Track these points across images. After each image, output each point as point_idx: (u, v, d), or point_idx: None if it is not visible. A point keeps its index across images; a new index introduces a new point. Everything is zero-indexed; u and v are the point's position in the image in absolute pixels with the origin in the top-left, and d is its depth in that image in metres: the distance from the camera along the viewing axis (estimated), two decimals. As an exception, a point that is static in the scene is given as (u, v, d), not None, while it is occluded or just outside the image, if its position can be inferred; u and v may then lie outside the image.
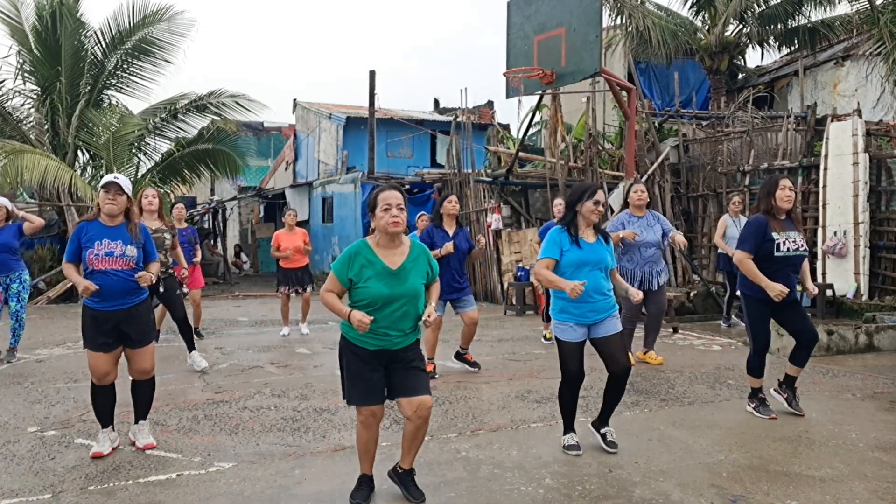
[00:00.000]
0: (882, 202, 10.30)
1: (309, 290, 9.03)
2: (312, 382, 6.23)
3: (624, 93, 11.14)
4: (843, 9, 15.90)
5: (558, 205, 7.61)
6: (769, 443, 4.37)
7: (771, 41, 17.30)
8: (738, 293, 9.21)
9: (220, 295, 15.26)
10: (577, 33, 9.94)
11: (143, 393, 4.47)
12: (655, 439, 4.47)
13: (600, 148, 13.62)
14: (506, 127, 21.03)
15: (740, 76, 18.14)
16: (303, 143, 23.27)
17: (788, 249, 4.73)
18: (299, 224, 10.28)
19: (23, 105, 15.70)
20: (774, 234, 4.74)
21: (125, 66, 15.98)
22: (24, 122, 15.62)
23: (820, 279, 10.19)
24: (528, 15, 10.80)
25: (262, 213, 25.05)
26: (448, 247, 6.26)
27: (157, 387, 5.11)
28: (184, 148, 16.48)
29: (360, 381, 3.42)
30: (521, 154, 13.74)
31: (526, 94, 11.28)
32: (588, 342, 4.24)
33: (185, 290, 7.07)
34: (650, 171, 12.36)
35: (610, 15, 15.96)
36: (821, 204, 10.50)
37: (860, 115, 10.51)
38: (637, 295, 4.43)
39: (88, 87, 15.41)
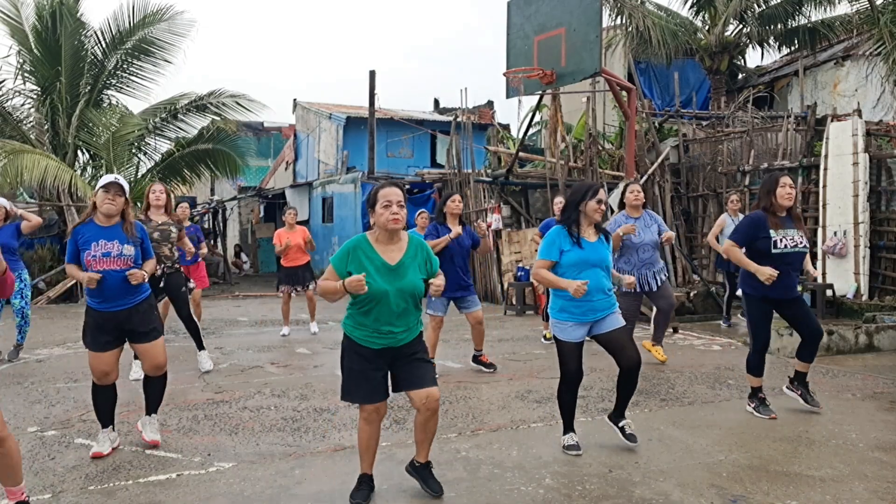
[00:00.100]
0: (882, 202, 10.29)
1: (311, 287, 9.04)
2: (312, 382, 6.23)
3: (624, 93, 11.14)
4: (843, 9, 15.93)
5: (559, 203, 7.60)
6: (769, 443, 4.37)
7: (771, 41, 17.31)
8: (740, 292, 9.26)
9: (220, 295, 15.26)
10: (577, 33, 9.93)
11: (155, 388, 4.49)
12: (655, 439, 4.47)
13: (600, 148, 13.62)
14: (506, 127, 21.03)
15: (740, 76, 18.15)
16: (303, 143, 23.28)
17: (786, 247, 4.72)
18: (299, 224, 10.29)
19: (23, 105, 15.73)
20: (771, 232, 4.74)
21: (125, 66, 15.98)
22: (24, 122, 15.63)
23: (820, 279, 10.19)
24: (528, 15, 10.80)
25: (262, 213, 25.05)
26: (457, 230, 6.28)
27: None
28: (184, 148, 16.48)
29: (365, 380, 3.43)
30: (521, 154, 13.74)
31: (526, 94, 11.28)
32: (594, 341, 4.25)
33: (192, 284, 7.06)
34: (650, 171, 12.36)
35: (610, 15, 15.98)
36: (821, 204, 10.50)
37: (860, 115, 10.51)
38: (628, 278, 4.52)
39: (88, 87, 15.41)
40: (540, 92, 11.58)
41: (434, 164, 20.52)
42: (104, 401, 4.31)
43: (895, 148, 10.68)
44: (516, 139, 15.83)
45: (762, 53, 17.83)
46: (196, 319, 6.93)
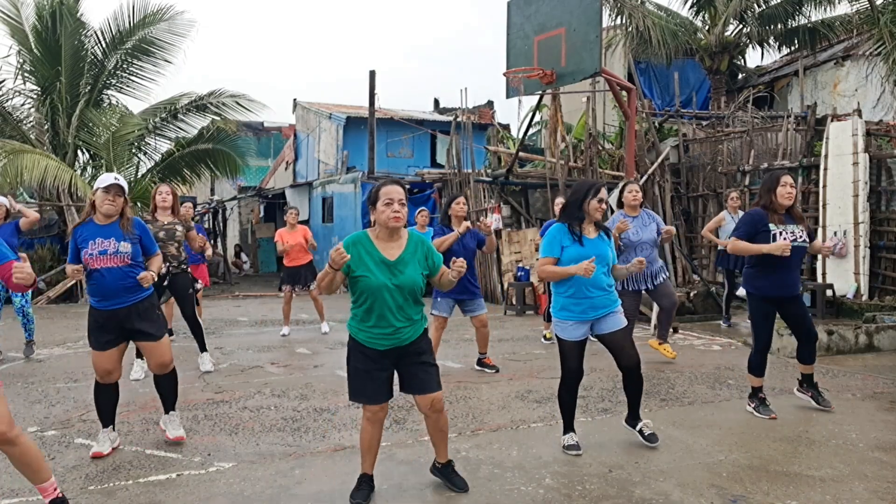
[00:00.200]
0: (882, 202, 10.29)
1: (314, 287, 9.05)
2: (312, 382, 6.23)
3: (624, 93, 11.14)
4: (843, 9, 15.93)
5: (560, 204, 7.60)
6: (769, 443, 4.37)
7: (771, 41, 17.31)
8: (740, 292, 9.25)
9: (220, 295, 15.26)
10: (577, 33, 9.93)
11: (166, 386, 4.51)
12: (655, 439, 4.46)
13: (600, 148, 13.62)
14: (506, 127, 21.02)
15: (740, 76, 18.15)
16: (303, 143, 23.28)
17: (785, 240, 4.71)
18: (300, 224, 10.30)
19: (23, 105, 15.73)
20: (771, 226, 4.74)
21: (125, 66, 15.98)
22: (24, 122, 15.63)
23: (820, 279, 10.19)
24: (528, 15, 10.79)
25: (262, 213, 25.06)
26: (466, 224, 6.28)
27: (157, 386, 5.10)
28: (184, 148, 16.48)
29: (370, 381, 3.44)
30: (521, 154, 13.73)
31: (526, 94, 11.27)
32: (596, 340, 4.25)
33: (200, 285, 7.05)
34: (650, 171, 12.36)
35: (610, 15, 15.97)
36: (821, 204, 10.49)
37: (860, 115, 10.50)
38: (638, 263, 4.32)
39: (88, 87, 15.41)
40: (540, 92, 11.57)
41: (434, 164, 20.52)
42: (106, 400, 4.32)
43: (895, 148, 10.68)
44: (516, 139, 15.83)
45: (762, 53, 17.85)
46: (200, 322, 6.94)
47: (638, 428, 4.34)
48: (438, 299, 6.40)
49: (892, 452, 4.18)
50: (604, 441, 4.41)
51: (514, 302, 11.28)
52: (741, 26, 17.19)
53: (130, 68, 16.04)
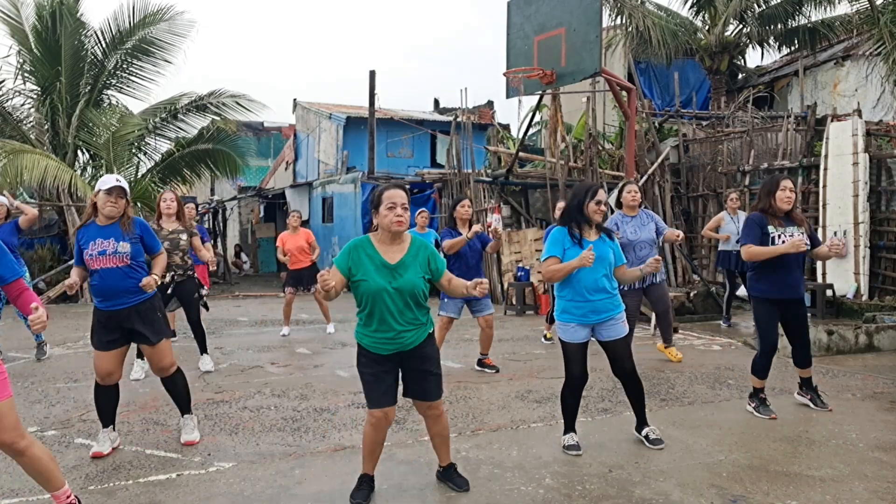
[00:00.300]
0: (882, 202, 10.29)
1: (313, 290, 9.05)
2: (312, 382, 6.23)
3: (624, 93, 11.14)
4: (843, 9, 15.94)
5: (562, 208, 7.62)
6: (769, 443, 4.37)
7: (771, 41, 17.31)
8: (740, 291, 9.24)
9: (220, 295, 15.25)
10: (577, 33, 9.93)
11: (174, 387, 4.50)
12: (655, 439, 4.46)
13: (600, 148, 13.62)
14: (506, 127, 21.02)
15: (740, 76, 18.15)
16: (303, 143, 23.28)
17: (784, 243, 4.71)
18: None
19: (23, 105, 15.72)
20: (770, 228, 4.74)
21: (125, 66, 15.98)
22: (24, 122, 15.63)
23: (820, 279, 10.19)
24: (528, 15, 10.80)
25: (262, 213, 25.06)
26: (476, 228, 6.33)
27: (157, 387, 5.11)
28: (184, 148, 16.48)
29: (376, 383, 3.46)
30: (521, 154, 13.73)
31: (526, 94, 11.28)
32: (597, 342, 4.25)
33: (206, 291, 7.05)
34: (650, 171, 12.36)
35: (610, 15, 15.98)
36: (821, 204, 10.49)
37: (860, 115, 10.50)
38: (653, 263, 4.30)
39: (88, 87, 15.41)
40: (540, 92, 11.58)
41: (434, 164, 20.52)
42: (106, 401, 4.31)
43: (895, 148, 10.68)
44: (516, 139, 15.83)
45: (762, 53, 17.86)
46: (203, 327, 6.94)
47: (644, 434, 4.35)
48: (446, 300, 6.42)
49: (892, 452, 4.18)
50: (604, 441, 4.42)
51: (514, 302, 11.28)
52: (741, 26, 17.19)
53: (130, 68, 16.03)
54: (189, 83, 68.84)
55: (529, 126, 14.08)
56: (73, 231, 13.92)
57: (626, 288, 6.42)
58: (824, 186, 10.45)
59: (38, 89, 15.41)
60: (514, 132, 19.51)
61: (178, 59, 22.87)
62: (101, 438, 4.28)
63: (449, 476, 3.71)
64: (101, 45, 15.55)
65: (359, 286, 3.41)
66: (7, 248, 7.12)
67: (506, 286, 12.19)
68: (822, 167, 10.53)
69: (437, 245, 6.42)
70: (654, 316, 7.19)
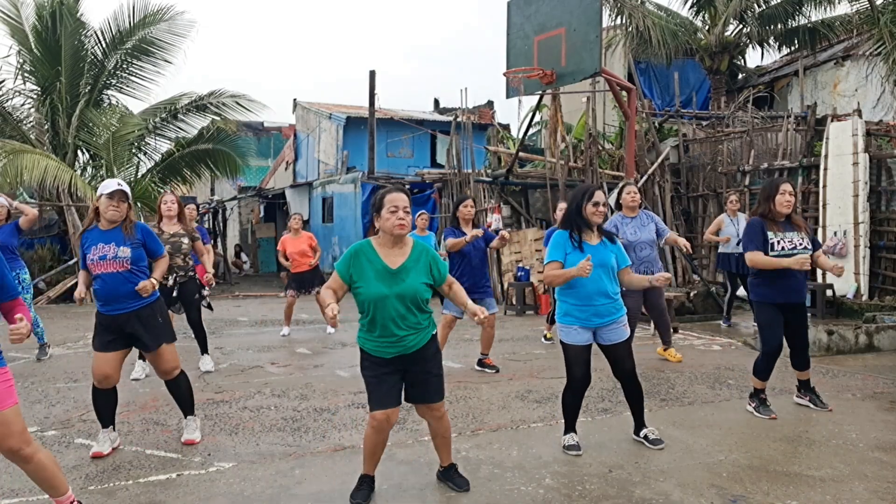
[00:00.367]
0: (882, 202, 10.29)
1: (316, 291, 9.04)
2: (312, 382, 6.23)
3: (624, 93, 11.14)
4: (843, 9, 15.94)
5: (563, 209, 7.62)
6: (769, 443, 4.37)
7: (771, 41, 17.31)
8: (741, 291, 9.23)
9: (220, 295, 15.25)
10: (577, 33, 9.93)
11: (177, 390, 4.50)
12: (655, 439, 4.46)
13: (600, 148, 13.62)
14: (506, 127, 21.03)
15: (740, 76, 18.15)
16: (303, 143, 23.28)
17: (784, 248, 4.72)
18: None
19: (23, 105, 15.74)
20: (769, 234, 4.75)
21: (125, 66, 15.99)
22: (24, 122, 15.63)
23: (820, 279, 10.19)
24: (528, 15, 10.80)
25: (262, 213, 25.06)
26: (476, 232, 6.32)
27: (157, 387, 5.11)
28: (184, 148, 16.49)
29: (379, 384, 3.46)
30: (521, 154, 13.74)
31: (526, 94, 11.28)
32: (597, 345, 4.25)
33: (207, 292, 7.05)
34: (650, 171, 12.36)
35: (610, 15, 15.97)
36: (821, 204, 10.49)
37: (860, 115, 10.50)
38: (660, 278, 4.33)
39: (88, 87, 15.42)
40: (540, 92, 11.58)
41: (434, 164, 20.53)
42: (104, 402, 4.31)
43: (895, 148, 10.68)
44: (516, 139, 15.83)
45: (762, 53, 17.85)
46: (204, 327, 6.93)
47: (643, 434, 4.35)
48: None
49: (892, 452, 4.18)
50: (604, 441, 4.42)
51: (514, 302, 11.28)
52: (741, 26, 17.19)
53: (130, 68, 16.05)
54: (189, 83, 68.94)
55: (529, 126, 14.09)
56: (73, 232, 13.94)
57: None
58: (824, 186, 10.45)
59: (38, 89, 15.42)
60: (514, 132, 19.52)
61: (178, 59, 22.91)
62: (101, 439, 4.28)
63: (449, 476, 3.71)
64: (101, 45, 15.56)
65: (360, 293, 3.40)
66: (8, 249, 7.12)
67: (506, 286, 12.19)
68: (822, 167, 10.53)
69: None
70: (652, 322, 7.22)
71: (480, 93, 61.90)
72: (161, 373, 4.43)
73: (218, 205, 22.66)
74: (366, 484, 3.57)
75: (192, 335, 6.88)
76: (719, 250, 9.26)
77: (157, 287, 4.37)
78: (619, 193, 6.84)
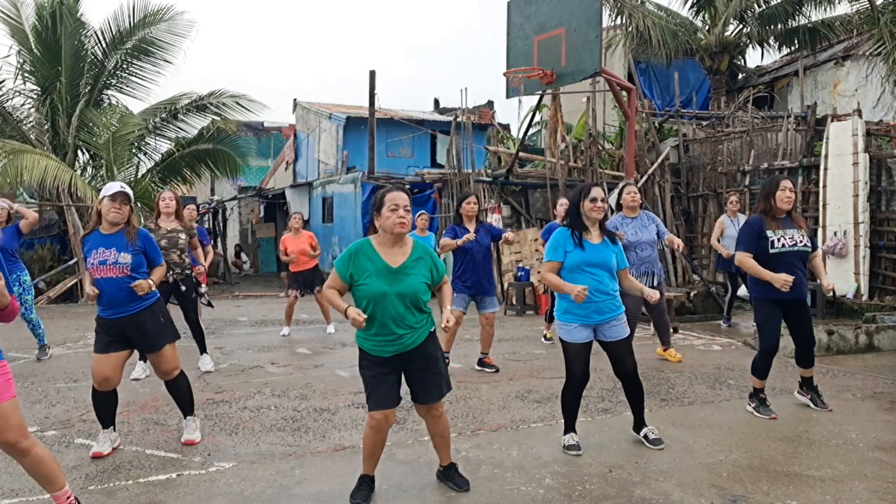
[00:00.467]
0: (882, 202, 10.29)
1: (318, 290, 9.03)
2: (312, 382, 6.23)
3: (624, 93, 11.14)
4: (843, 9, 15.93)
5: (563, 205, 7.62)
6: (769, 443, 4.37)
7: (771, 41, 17.30)
8: (741, 291, 9.22)
9: (220, 295, 15.25)
10: (577, 33, 9.93)
11: (177, 391, 4.51)
12: (655, 439, 4.46)
13: (600, 148, 13.62)
14: (506, 127, 21.03)
15: (740, 76, 18.15)
16: (303, 143, 23.28)
17: (784, 246, 4.73)
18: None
19: (23, 105, 15.72)
20: (769, 232, 4.75)
21: (125, 66, 15.98)
22: (24, 122, 15.62)
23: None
24: (528, 15, 10.80)
25: (262, 213, 25.06)
26: (468, 236, 6.32)
27: (157, 387, 5.10)
28: (184, 148, 16.48)
29: (378, 384, 3.46)
30: (521, 154, 13.74)
31: (526, 94, 11.28)
32: (596, 342, 4.25)
33: (204, 288, 7.04)
34: (650, 171, 12.36)
35: (610, 15, 15.97)
36: (821, 204, 10.49)
37: (860, 115, 10.50)
38: (653, 294, 4.39)
39: (88, 87, 15.41)
40: (540, 92, 11.58)
41: (434, 164, 20.53)
42: (104, 404, 4.31)
43: (895, 148, 10.68)
44: (516, 139, 15.84)
45: (762, 53, 17.84)
46: (202, 325, 6.94)
47: (643, 434, 4.35)
48: (454, 295, 6.43)
49: (892, 452, 4.18)
50: (604, 441, 4.42)
51: (514, 302, 11.28)
52: (741, 26, 17.19)
53: (130, 68, 16.04)
54: (189, 83, 68.92)
55: (529, 126, 14.09)
56: (73, 232, 13.93)
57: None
58: (824, 186, 10.45)
59: (38, 89, 15.41)
60: (514, 132, 19.53)
61: (178, 59, 22.87)
62: (101, 439, 4.28)
63: (449, 476, 3.71)
64: (101, 45, 15.55)
65: (360, 290, 3.41)
66: (8, 251, 7.12)
67: (506, 286, 12.19)
68: (822, 167, 10.53)
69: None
70: (652, 322, 7.23)
71: (480, 93, 61.94)
72: (161, 373, 4.43)
73: (218, 205, 22.66)
74: (366, 484, 3.57)
75: (191, 334, 6.88)
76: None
77: (153, 287, 4.35)
78: (620, 194, 6.84)
